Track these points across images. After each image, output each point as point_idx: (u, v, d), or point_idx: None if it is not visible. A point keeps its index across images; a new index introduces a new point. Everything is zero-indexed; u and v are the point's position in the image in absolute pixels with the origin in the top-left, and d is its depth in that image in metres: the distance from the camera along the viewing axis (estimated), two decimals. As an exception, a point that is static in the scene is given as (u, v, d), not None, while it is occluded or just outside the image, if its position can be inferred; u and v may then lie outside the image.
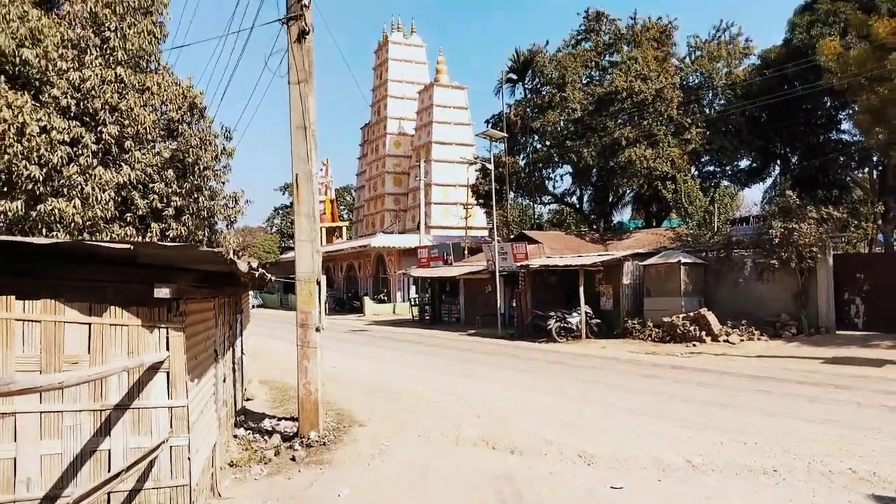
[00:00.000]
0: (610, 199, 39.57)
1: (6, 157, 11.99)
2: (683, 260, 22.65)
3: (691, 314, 21.36)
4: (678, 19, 36.38)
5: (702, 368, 15.99)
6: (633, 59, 33.21)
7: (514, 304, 27.82)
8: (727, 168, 35.36)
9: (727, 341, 20.23)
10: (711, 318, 20.92)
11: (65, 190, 12.64)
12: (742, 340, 20.32)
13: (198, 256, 5.28)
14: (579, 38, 37.95)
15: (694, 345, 20.18)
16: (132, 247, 4.84)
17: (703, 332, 20.79)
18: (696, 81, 34.30)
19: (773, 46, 31.08)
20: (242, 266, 6.24)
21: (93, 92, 13.13)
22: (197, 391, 6.10)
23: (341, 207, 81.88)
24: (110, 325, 5.28)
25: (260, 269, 9.02)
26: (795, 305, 21.23)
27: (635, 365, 16.96)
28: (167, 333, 5.46)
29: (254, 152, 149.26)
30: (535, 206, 43.90)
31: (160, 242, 5.19)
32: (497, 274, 27.00)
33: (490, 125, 40.45)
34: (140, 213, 13.89)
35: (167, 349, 5.45)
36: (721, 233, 24.48)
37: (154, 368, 5.43)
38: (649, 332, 22.08)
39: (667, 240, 26.79)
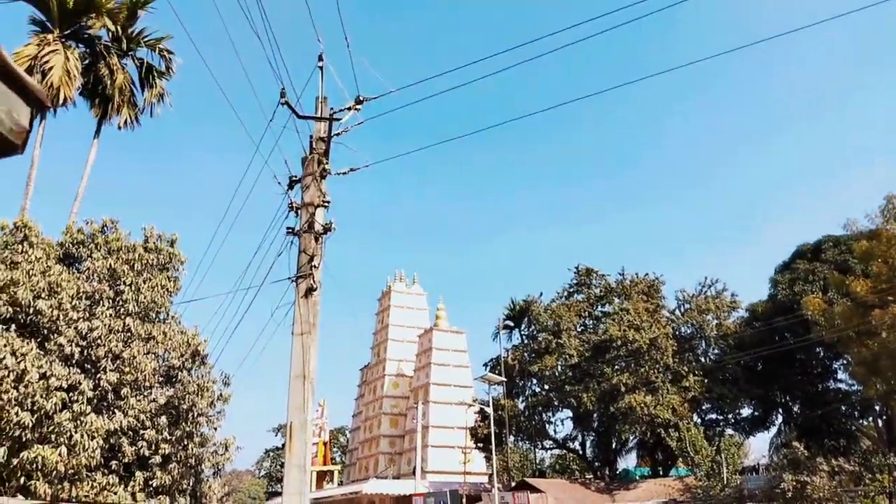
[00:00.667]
0: (613, 445, 38.57)
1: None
2: None
3: None
4: (664, 276, 38.74)
5: None
6: (624, 310, 34.69)
7: None
8: (729, 416, 35.00)
9: None
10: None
11: (52, 436, 12.36)
12: None
13: None
14: (571, 290, 40.24)
15: None
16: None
17: None
18: (688, 332, 35.52)
19: (760, 301, 32.63)
20: None
21: (98, 341, 13.44)
22: None
23: (334, 449, 79.21)
24: None
25: None
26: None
27: None
28: None
29: (249, 394, 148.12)
30: (537, 450, 42.57)
31: None
32: None
33: (489, 368, 40.69)
34: (126, 460, 13.40)
35: None
36: (731, 485, 23.47)
37: None
38: None
39: (676, 491, 25.63)
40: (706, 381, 31.89)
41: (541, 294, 40.63)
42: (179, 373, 14.99)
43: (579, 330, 37.14)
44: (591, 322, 38.17)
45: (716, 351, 34.31)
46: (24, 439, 12.22)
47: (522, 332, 42.23)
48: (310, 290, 9.86)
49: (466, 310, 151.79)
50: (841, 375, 30.69)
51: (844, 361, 28.13)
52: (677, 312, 36.47)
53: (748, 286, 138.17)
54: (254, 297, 13.10)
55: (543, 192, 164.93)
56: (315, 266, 9.96)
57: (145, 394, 13.99)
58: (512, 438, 39.02)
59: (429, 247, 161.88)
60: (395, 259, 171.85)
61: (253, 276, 12.58)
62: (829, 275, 25.31)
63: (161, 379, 14.67)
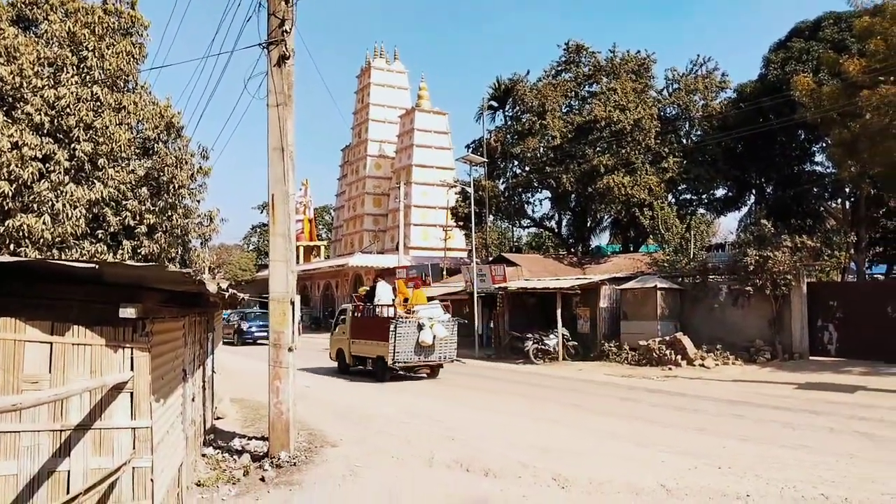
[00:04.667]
0: (588, 224, 40.04)
1: (-24, 172, 11.82)
2: (660, 285, 22.84)
3: (667, 338, 21.52)
4: (655, 54, 37.18)
5: (678, 392, 16.01)
6: (612, 89, 33.91)
7: (492, 326, 27.86)
8: (703, 196, 35.92)
9: (702, 366, 20.33)
10: (687, 342, 21.06)
11: (35, 206, 12.47)
12: (717, 365, 20.43)
13: (166, 277, 5.16)
14: (559, 68, 38.78)
15: (670, 368, 20.28)
16: (97, 266, 4.73)
17: (679, 357, 20.94)
18: (674, 113, 35.10)
19: (749, 81, 31.84)
20: (211, 287, 6.16)
21: (67, 110, 13.03)
22: (163, 411, 5.96)
23: (320, 227, 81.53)
24: (73, 344, 5.15)
25: (230, 290, 8.93)
26: (770, 331, 21.42)
27: (612, 388, 16.94)
28: (132, 353, 5.29)
29: (232, 171, 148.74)
30: (514, 229, 44.32)
31: (127, 262, 5.10)
32: (475, 295, 27.05)
33: (471, 150, 40.76)
34: (112, 230, 13.75)
35: (131, 369, 5.31)
36: (697, 259, 24.76)
37: (117, 389, 5.28)
38: (626, 355, 22.22)
39: (644, 265, 27.08)
40: (685, 162, 32.26)
41: (527, 73, 39.35)
42: (155, 145, 14.82)
43: (564, 111, 36.57)
44: (576, 102, 37.44)
45: (698, 132, 34.26)
46: (6, 208, 12.34)
47: (506, 114, 41.66)
48: (282, 59, 9.49)
49: (449, 91, 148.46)
50: (818, 158, 31.09)
51: (824, 144, 28.30)
52: (665, 93, 35.77)
53: (740, 66, 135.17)
54: (225, 64, 12.53)
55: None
56: (287, 31, 9.48)
57: (122, 165, 13.89)
58: (491, 217, 40.17)
59: (409, 25, 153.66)
60: (374, 35, 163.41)
61: (222, 44, 12.00)
62: (824, 54, 24.48)
63: (137, 151, 14.51)
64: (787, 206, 30.30)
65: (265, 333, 27.68)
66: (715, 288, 22.91)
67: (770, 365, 20.22)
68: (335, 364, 21.05)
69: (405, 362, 17.79)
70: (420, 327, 17.70)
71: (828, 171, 30.02)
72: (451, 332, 18.46)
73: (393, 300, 18.79)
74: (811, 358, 20.58)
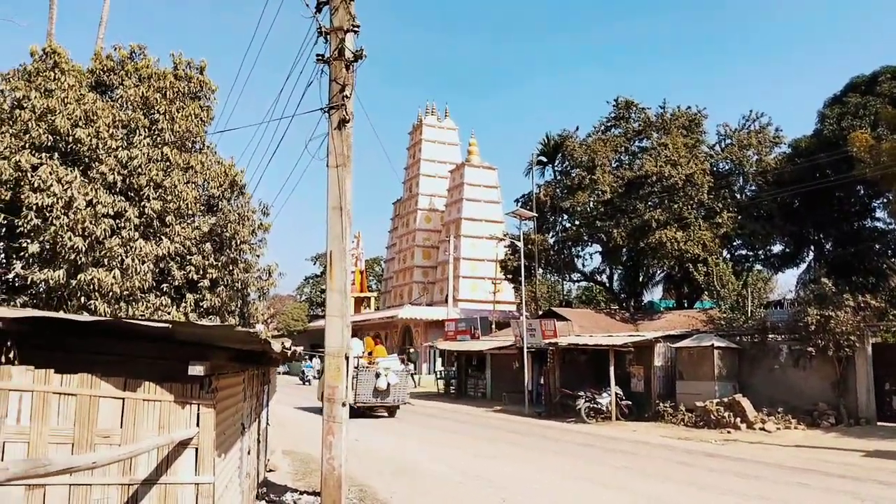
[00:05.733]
0: (640, 279, 39.42)
1: (52, 227, 12.49)
2: (717, 343, 22.21)
3: (725, 399, 20.82)
4: (706, 109, 36.86)
5: (737, 457, 15.40)
6: (662, 144, 33.67)
7: (542, 382, 27.43)
8: (760, 252, 35.12)
9: (763, 429, 19.60)
10: (746, 404, 20.34)
11: (105, 260, 13.05)
12: (778, 429, 19.67)
13: (234, 336, 5.30)
14: (609, 124, 38.93)
15: (728, 431, 19.61)
16: (171, 325, 4.95)
17: (738, 419, 20.22)
18: (727, 168, 34.64)
19: (804, 136, 31.40)
20: (276, 346, 6.29)
21: (139, 169, 13.72)
22: (223, 466, 6.06)
23: (370, 278, 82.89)
24: (143, 400, 5.33)
25: (291, 347, 9.08)
26: (833, 394, 20.57)
27: (668, 450, 16.43)
28: (198, 409, 5.43)
29: (290, 226, 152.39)
30: (565, 282, 43.85)
31: (198, 322, 5.32)
32: (525, 350, 26.78)
33: (520, 204, 40.83)
34: (176, 283, 14.19)
35: (197, 425, 5.43)
36: (755, 317, 24.06)
37: (183, 444, 5.41)
38: (681, 416, 21.54)
39: (699, 322, 26.37)
40: (740, 217, 31.67)
41: (577, 129, 39.66)
42: (220, 202, 15.38)
43: (614, 166, 36.42)
44: (626, 158, 37.26)
45: (753, 188, 33.64)
46: (79, 263, 12.94)
47: (556, 169, 41.78)
48: (343, 122, 9.75)
49: (498, 147, 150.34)
50: (880, 214, 30.25)
51: (885, 200, 27.55)
52: (717, 148, 35.44)
53: (795, 121, 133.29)
54: (287, 127, 13.04)
55: (584, 33, 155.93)
56: (347, 96, 9.76)
57: (188, 221, 14.45)
58: (541, 271, 39.95)
59: (459, 84, 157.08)
60: (426, 94, 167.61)
61: (284, 107, 12.61)
62: (882, 109, 24.06)
63: (202, 208, 15.08)
64: (848, 263, 29.36)
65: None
66: (775, 348, 22.20)
67: (834, 430, 19.35)
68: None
69: (364, 403, 21.39)
70: (377, 375, 21.41)
71: (890, 227, 29.16)
72: (403, 379, 22.31)
73: (361, 353, 22.27)
74: (879, 424, 19.59)
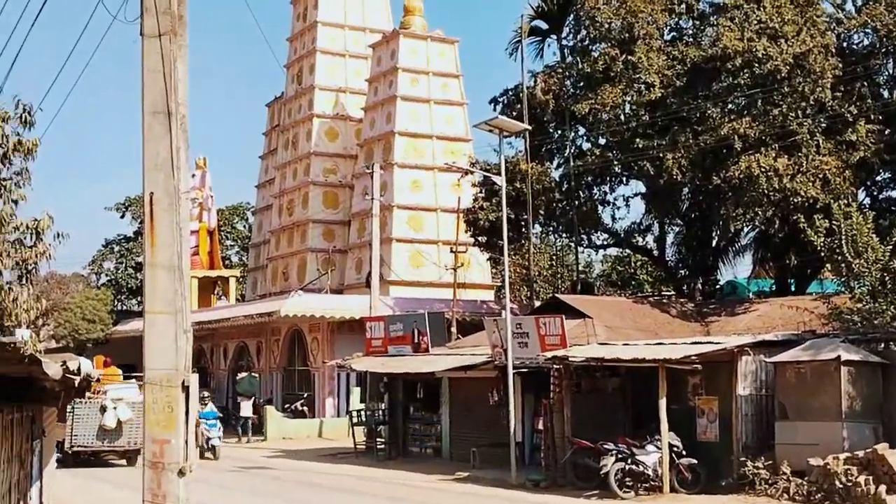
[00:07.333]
0: (714, 243, 28.44)
1: None
2: (846, 355, 16.16)
3: (860, 454, 15.13)
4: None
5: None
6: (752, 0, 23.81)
7: (540, 427, 19.41)
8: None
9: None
10: (897, 461, 15.28)
11: None
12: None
13: None
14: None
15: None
16: None
17: (884, 489, 14.43)
18: (866, 44, 24.51)
19: None
20: (52, 369, 5.21)
21: None
22: None
23: (228, 242, 54.69)
24: None
25: (84, 371, 7.18)
26: None
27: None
28: None
29: (74, 143, 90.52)
30: (580, 249, 32.97)
31: None
32: (510, 371, 18.74)
33: (500, 107, 27.50)
34: None
35: None
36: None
37: None
38: (784, 483, 15.62)
39: (815, 317, 19.14)
40: (888, 133, 22.32)
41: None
42: None
43: (667, 38, 25.29)
44: (689, 24, 25.96)
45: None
46: None
47: (564, 43, 28.84)
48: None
49: (455, 11, 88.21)
50: None
51: None
52: (850, 6, 25.29)
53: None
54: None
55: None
56: None
57: None
58: (538, 228, 28.29)
59: None
60: None
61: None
62: None
63: None
64: None
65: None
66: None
67: None
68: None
69: (86, 447, 19.65)
70: (103, 409, 19.16)
71: None
72: (141, 413, 17.46)
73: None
74: None
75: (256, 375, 32.91)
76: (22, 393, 6.24)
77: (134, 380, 20.97)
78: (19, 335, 11.71)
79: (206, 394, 25.71)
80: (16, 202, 12.12)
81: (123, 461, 20.39)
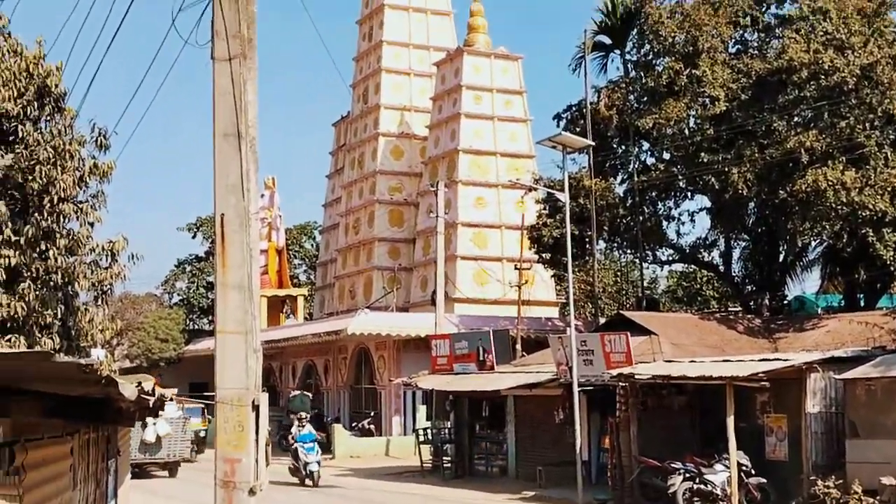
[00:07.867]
0: (781, 258, 27.00)
1: None
2: None
3: None
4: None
5: None
6: (819, 11, 22.82)
7: (607, 446, 18.82)
8: None
9: None
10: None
11: None
12: None
13: (52, 372, 3.71)
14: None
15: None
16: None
17: None
18: None
19: None
20: (128, 390, 4.84)
21: None
22: None
23: (296, 261, 54.13)
24: None
25: (157, 393, 7.36)
26: None
27: None
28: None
29: (146, 165, 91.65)
30: (645, 266, 32.04)
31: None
32: (576, 389, 18.07)
33: (563, 123, 26.92)
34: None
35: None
36: None
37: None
38: (856, 503, 14.48)
39: (885, 333, 18.60)
40: None
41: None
42: (18, 125, 10.32)
43: (732, 52, 24.74)
44: (754, 37, 25.28)
45: None
46: None
47: (627, 58, 28.30)
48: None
49: (523, 21, 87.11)
50: None
51: None
52: None
53: None
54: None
55: None
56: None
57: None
58: (602, 245, 27.39)
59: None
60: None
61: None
62: None
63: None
64: None
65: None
66: None
67: None
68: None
69: (131, 460, 18.99)
70: (144, 425, 18.82)
71: None
72: (178, 428, 21.15)
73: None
74: None
75: (309, 395, 31.98)
76: (98, 413, 6.03)
77: (173, 399, 20.27)
78: (95, 355, 11.58)
79: (304, 415, 24.38)
80: (92, 224, 11.77)
81: (165, 472, 21.34)
